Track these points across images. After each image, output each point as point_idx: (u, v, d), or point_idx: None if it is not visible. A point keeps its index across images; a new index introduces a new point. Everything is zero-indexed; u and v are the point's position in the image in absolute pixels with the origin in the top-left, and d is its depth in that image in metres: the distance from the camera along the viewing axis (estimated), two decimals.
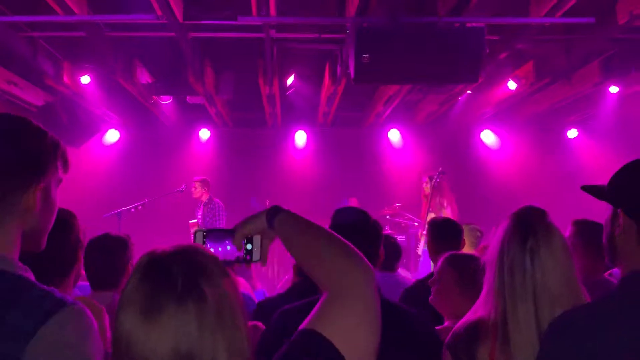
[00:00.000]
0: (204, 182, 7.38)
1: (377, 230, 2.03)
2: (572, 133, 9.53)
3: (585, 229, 2.77)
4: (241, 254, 1.29)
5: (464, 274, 2.20)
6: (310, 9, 5.39)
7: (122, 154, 9.10)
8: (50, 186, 1.18)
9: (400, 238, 7.98)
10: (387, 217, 8.48)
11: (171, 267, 0.89)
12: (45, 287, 1.07)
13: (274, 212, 1.24)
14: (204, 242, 1.31)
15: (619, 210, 1.33)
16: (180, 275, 0.88)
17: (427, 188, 6.61)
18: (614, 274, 3.33)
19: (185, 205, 7.74)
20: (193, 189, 7.29)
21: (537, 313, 1.43)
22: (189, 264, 0.91)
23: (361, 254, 1.08)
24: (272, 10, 4.93)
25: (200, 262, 0.92)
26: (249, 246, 1.30)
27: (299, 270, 2.84)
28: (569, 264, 1.48)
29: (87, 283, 2.63)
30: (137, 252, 3.45)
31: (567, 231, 2.89)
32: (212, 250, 1.29)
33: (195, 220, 7.31)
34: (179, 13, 4.96)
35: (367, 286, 1.03)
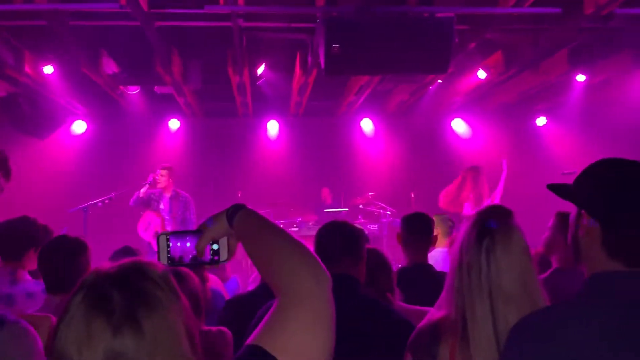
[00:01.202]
0: (171, 171, 6.70)
1: (361, 245, 2.09)
2: (541, 121, 9.69)
3: (566, 219, 2.81)
4: (208, 256, 1.26)
5: None
6: None
7: (88, 146, 8.89)
8: None
9: (372, 227, 8.03)
10: (360, 206, 8.51)
11: (111, 293, 0.87)
12: None
13: (234, 211, 1.21)
14: (168, 246, 1.27)
15: (582, 211, 1.33)
16: (118, 305, 0.86)
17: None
18: None
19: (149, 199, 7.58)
20: (159, 176, 6.51)
21: (493, 312, 1.45)
22: (129, 291, 0.88)
23: (317, 258, 1.05)
24: None
25: (142, 289, 0.89)
26: (215, 246, 1.27)
27: None
28: (527, 265, 1.50)
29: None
30: (104, 248, 3.38)
31: (549, 222, 2.94)
32: (173, 257, 1.26)
33: (162, 216, 6.50)
34: (143, 2, 4.83)
35: (318, 294, 0.99)
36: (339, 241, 2.09)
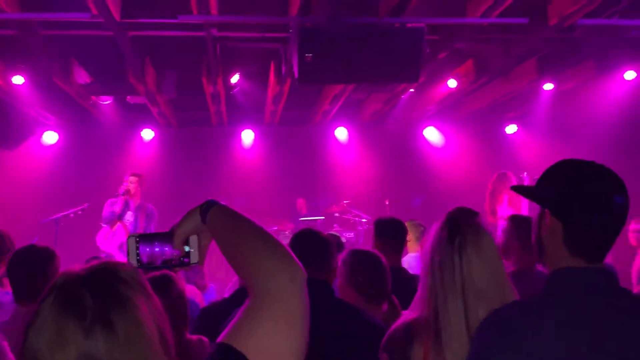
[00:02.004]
0: (141, 179, 6.45)
1: (332, 254, 2.12)
2: (511, 128, 9.89)
3: (520, 223, 2.91)
4: (178, 257, 1.24)
5: None
6: (252, 7, 5.34)
7: (60, 157, 8.74)
8: None
9: (348, 235, 8.07)
10: (336, 214, 8.55)
11: (83, 295, 0.87)
12: None
13: (208, 207, 1.18)
14: (137, 249, 1.24)
15: (546, 210, 1.38)
16: (90, 306, 0.86)
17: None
18: None
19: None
20: (129, 183, 6.25)
21: (465, 308, 1.49)
22: (101, 292, 0.88)
23: (292, 254, 1.02)
24: (213, 9, 4.86)
25: (113, 290, 0.89)
26: (186, 248, 1.23)
27: None
28: (496, 261, 1.55)
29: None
30: (75, 260, 3.35)
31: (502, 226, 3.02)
32: (143, 260, 1.24)
33: (127, 227, 6.22)
34: (116, 12, 4.81)
35: (292, 292, 0.97)
36: (311, 250, 2.11)
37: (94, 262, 0.94)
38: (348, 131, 9.73)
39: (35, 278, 2.13)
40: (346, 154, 9.79)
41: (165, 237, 1.24)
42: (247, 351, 0.91)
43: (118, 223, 6.20)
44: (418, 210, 8.71)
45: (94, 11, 4.60)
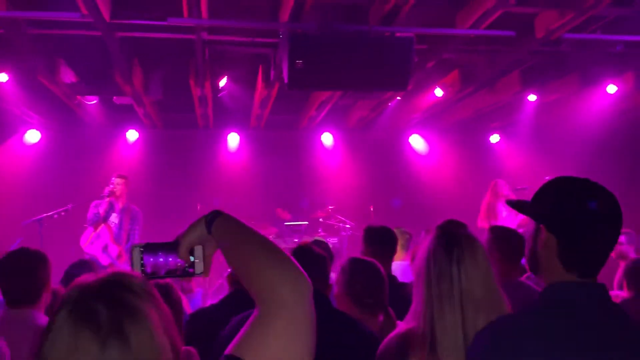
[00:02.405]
0: (128, 181, 6.42)
1: (326, 271, 2.12)
2: (494, 138, 10.02)
3: (501, 235, 2.95)
4: (182, 267, 1.24)
5: None
6: (242, 12, 5.35)
7: (43, 156, 8.62)
8: None
9: (332, 240, 8.08)
10: (320, 219, 8.57)
11: (97, 308, 0.88)
12: None
13: (213, 217, 1.19)
14: (141, 259, 1.24)
15: (541, 225, 1.41)
16: (105, 319, 0.87)
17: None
18: (532, 276, 3.55)
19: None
20: (115, 185, 6.24)
21: (463, 319, 1.52)
22: (114, 305, 0.89)
23: (299, 267, 1.03)
24: (204, 13, 4.86)
25: (126, 302, 0.90)
26: (191, 258, 1.24)
27: (233, 280, 2.82)
28: (490, 271, 1.59)
29: None
30: (59, 262, 3.30)
31: (483, 237, 3.06)
32: (147, 270, 1.25)
33: (112, 229, 6.16)
34: (105, 12, 4.78)
35: (300, 303, 0.98)
36: (308, 267, 2.12)
37: (104, 272, 0.94)
38: (334, 137, 9.77)
39: (27, 281, 2.11)
40: (331, 159, 9.83)
41: (170, 247, 1.24)
42: None
43: (102, 225, 6.13)
44: (400, 217, 8.77)
45: (84, 11, 4.56)
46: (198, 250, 1.24)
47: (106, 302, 0.88)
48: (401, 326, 1.64)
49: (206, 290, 7.19)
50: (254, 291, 1.03)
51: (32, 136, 8.68)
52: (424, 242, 1.64)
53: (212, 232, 1.18)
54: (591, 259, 1.35)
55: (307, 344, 0.98)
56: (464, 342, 1.49)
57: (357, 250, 3.69)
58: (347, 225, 8.28)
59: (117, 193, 6.29)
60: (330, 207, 8.55)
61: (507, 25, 5.21)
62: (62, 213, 5.87)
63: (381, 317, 2.29)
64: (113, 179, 6.36)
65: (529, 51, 5.89)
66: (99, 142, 8.81)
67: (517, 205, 1.47)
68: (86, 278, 0.93)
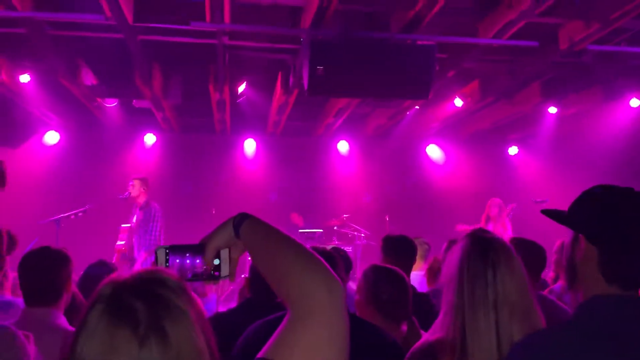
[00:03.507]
0: (144, 182, 6.57)
1: (339, 267, 2.06)
2: (513, 150, 9.92)
3: (521, 247, 2.88)
4: (208, 270, 1.21)
5: None
6: (264, 17, 5.36)
7: (62, 157, 8.69)
8: None
9: (346, 249, 8.02)
10: (335, 227, 8.52)
11: (135, 304, 0.84)
12: None
13: (241, 220, 1.16)
14: (166, 261, 1.21)
15: (580, 235, 1.36)
16: (143, 315, 0.83)
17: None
18: (554, 290, 3.47)
19: (128, 213, 7.43)
20: (131, 187, 6.49)
21: (497, 323, 1.48)
22: (153, 302, 0.85)
23: (330, 269, 1.01)
24: (226, 17, 4.87)
25: (164, 299, 0.86)
26: (216, 261, 1.21)
27: (251, 285, 2.78)
28: (524, 279, 1.56)
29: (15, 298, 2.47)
30: (76, 262, 3.30)
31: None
32: (174, 272, 1.22)
33: (129, 225, 6.56)
34: (129, 15, 4.82)
35: (334, 306, 0.96)
36: None
37: (139, 270, 0.91)
38: (350, 145, 9.74)
39: (49, 282, 2.08)
40: (347, 167, 9.79)
41: (195, 250, 1.22)
42: None
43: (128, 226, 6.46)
44: (416, 227, 8.70)
45: (108, 13, 4.59)
46: (224, 253, 1.21)
47: (143, 298, 0.85)
48: (427, 336, 1.60)
49: (219, 295, 7.17)
50: (285, 295, 1.01)
51: (52, 137, 8.76)
52: (455, 250, 1.60)
53: (241, 235, 1.16)
54: (634, 270, 1.29)
55: (341, 349, 0.96)
56: (497, 347, 1.45)
57: (371, 259, 3.64)
58: (362, 235, 8.22)
59: (133, 194, 6.47)
60: (344, 215, 8.50)
61: (530, 36, 5.16)
62: (80, 214, 5.90)
63: (405, 327, 2.24)
64: (130, 181, 6.53)
65: (551, 62, 5.83)
66: (117, 144, 8.87)
67: (554, 215, 1.42)
68: (119, 275, 0.89)
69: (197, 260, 1.22)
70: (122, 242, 6.46)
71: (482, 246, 1.56)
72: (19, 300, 2.64)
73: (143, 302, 0.85)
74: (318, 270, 1.01)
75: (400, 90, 5.19)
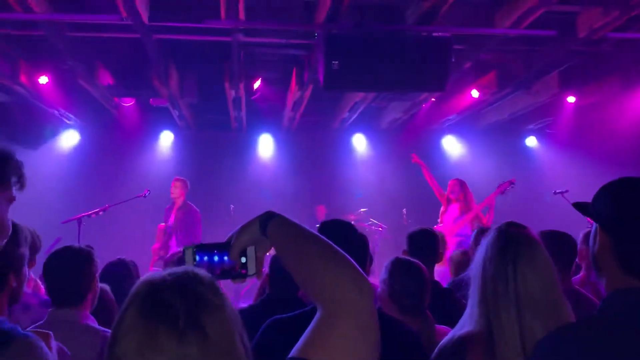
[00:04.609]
0: (185, 183, 6.78)
1: (365, 243, 2.03)
2: (531, 141, 9.81)
3: (551, 239, 2.83)
4: (235, 268, 1.21)
5: None
6: (278, 14, 5.36)
7: (81, 157, 8.79)
8: None
9: None
10: (353, 222, 8.49)
11: (173, 301, 0.85)
12: None
13: (267, 218, 1.17)
14: (194, 260, 1.22)
15: (599, 226, 1.35)
16: (181, 312, 0.84)
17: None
18: (575, 281, 3.43)
19: (148, 211, 7.51)
20: (173, 187, 6.68)
21: (520, 321, 1.47)
22: (190, 298, 0.86)
23: (359, 268, 1.01)
24: (241, 14, 4.88)
25: (201, 295, 0.88)
26: (243, 259, 1.21)
27: (272, 281, 2.80)
28: (551, 274, 1.53)
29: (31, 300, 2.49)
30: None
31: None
32: (204, 270, 1.23)
33: (163, 224, 6.70)
34: (144, 14, 4.85)
35: (364, 305, 0.96)
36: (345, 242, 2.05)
37: (173, 269, 0.92)
38: (366, 139, 9.71)
39: (74, 281, 2.09)
40: (363, 161, 9.76)
41: (222, 248, 1.22)
42: None
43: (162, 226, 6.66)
44: (434, 220, 8.66)
45: (124, 13, 4.63)
46: (250, 250, 1.21)
47: (180, 295, 0.86)
48: (456, 330, 1.59)
49: (237, 292, 7.22)
50: (314, 294, 1.02)
51: (71, 137, 8.87)
52: (482, 243, 1.59)
53: (268, 233, 1.16)
54: None
55: (371, 347, 0.96)
56: (522, 344, 1.44)
57: (388, 253, 3.63)
58: (380, 229, 8.20)
59: (174, 195, 6.70)
60: (362, 209, 8.50)
61: (547, 25, 5.09)
62: (100, 213, 5.97)
63: (419, 320, 2.23)
64: (172, 182, 6.79)
65: (569, 51, 5.74)
66: (134, 142, 8.95)
67: (578, 207, 1.41)
68: (153, 274, 0.91)
69: (225, 258, 1.22)
70: (158, 244, 6.63)
71: (503, 241, 1.55)
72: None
73: (180, 298, 0.85)
74: (348, 270, 1.00)
75: (416, 83, 5.16)
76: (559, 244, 2.64)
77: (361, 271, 1.01)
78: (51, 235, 5.56)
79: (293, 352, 0.95)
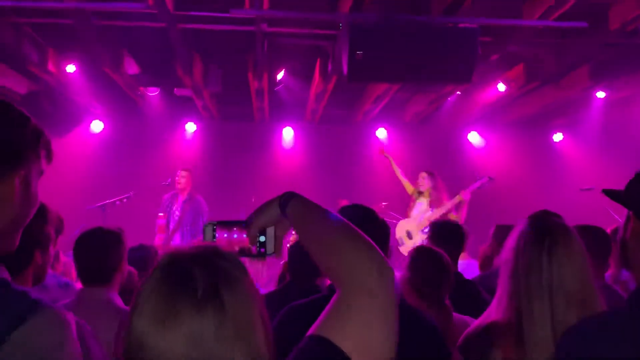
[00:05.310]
0: (191, 173, 6.68)
1: (386, 228, 2.00)
2: (558, 136, 9.62)
3: (585, 234, 2.76)
4: (254, 247, 1.22)
5: None
6: (302, 3, 5.33)
7: (106, 146, 8.93)
8: (30, 176, 1.07)
9: None
10: None
11: (193, 271, 0.86)
12: (19, 287, 0.99)
13: (287, 198, 1.16)
14: (214, 236, 1.24)
15: (630, 213, 1.30)
16: (201, 281, 0.85)
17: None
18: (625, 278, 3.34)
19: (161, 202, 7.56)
20: (179, 177, 6.52)
21: (552, 311, 1.44)
22: (210, 269, 0.87)
23: (378, 249, 1.01)
24: (265, 4, 4.87)
25: (222, 267, 0.88)
26: (262, 238, 1.22)
27: (290, 268, 2.80)
28: (585, 265, 1.49)
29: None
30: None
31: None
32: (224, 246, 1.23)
33: (162, 214, 6.48)
34: (170, 3, 4.87)
35: (383, 284, 0.96)
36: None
37: (195, 244, 0.93)
38: (388, 131, 9.63)
39: (104, 261, 2.14)
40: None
41: (242, 226, 1.23)
42: (342, 344, 0.90)
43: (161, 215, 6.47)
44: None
45: (149, 1, 4.65)
46: (270, 231, 1.22)
47: (202, 266, 0.86)
48: (482, 319, 1.56)
49: (258, 280, 7.23)
50: (334, 275, 1.01)
51: (96, 126, 8.99)
52: (513, 233, 1.56)
53: (288, 213, 1.15)
54: None
55: (391, 329, 0.95)
56: (553, 334, 1.41)
57: None
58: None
59: (181, 186, 6.53)
60: (383, 203, 8.44)
61: (578, 16, 4.96)
62: (124, 200, 6.05)
63: (437, 309, 2.21)
64: (178, 172, 6.59)
65: (600, 44, 5.59)
66: (158, 132, 9.03)
67: (610, 194, 1.35)
68: (178, 248, 0.92)
69: (244, 236, 1.23)
70: (162, 237, 6.43)
71: (539, 230, 1.51)
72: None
73: (201, 269, 0.86)
74: (369, 251, 1.00)
75: (441, 74, 5.09)
76: (594, 238, 2.58)
77: (382, 254, 1.00)
78: (77, 221, 5.66)
79: (311, 330, 0.95)
